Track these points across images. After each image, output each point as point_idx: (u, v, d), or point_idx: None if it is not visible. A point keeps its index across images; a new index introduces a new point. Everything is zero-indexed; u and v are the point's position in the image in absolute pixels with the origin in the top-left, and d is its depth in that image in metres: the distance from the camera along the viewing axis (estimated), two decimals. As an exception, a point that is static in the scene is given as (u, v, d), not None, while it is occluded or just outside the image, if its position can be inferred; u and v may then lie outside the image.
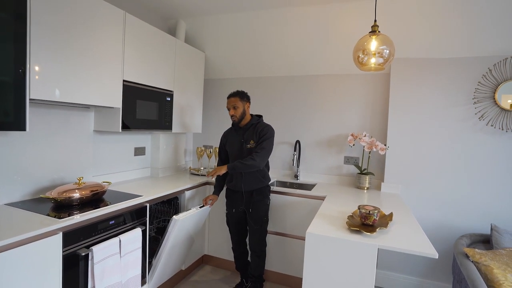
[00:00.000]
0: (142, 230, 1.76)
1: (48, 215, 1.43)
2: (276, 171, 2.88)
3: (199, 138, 3.27)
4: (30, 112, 1.64)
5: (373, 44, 1.60)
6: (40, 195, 1.62)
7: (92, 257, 1.45)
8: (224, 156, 2.23)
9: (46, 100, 1.50)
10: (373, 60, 1.62)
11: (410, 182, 2.33)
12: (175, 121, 2.49)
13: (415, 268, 2.33)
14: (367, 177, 2.39)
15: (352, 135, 2.44)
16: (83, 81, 1.67)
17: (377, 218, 1.46)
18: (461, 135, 2.20)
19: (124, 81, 1.95)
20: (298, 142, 2.73)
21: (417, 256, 2.29)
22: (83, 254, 1.43)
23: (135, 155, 2.48)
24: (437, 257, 1.21)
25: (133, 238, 1.69)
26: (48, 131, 1.78)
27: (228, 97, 2.09)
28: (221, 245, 2.58)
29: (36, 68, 1.42)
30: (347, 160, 2.61)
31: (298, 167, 2.75)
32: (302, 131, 2.78)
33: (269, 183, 2.16)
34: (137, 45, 2.04)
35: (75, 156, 1.95)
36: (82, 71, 1.66)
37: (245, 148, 2.06)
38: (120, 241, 1.61)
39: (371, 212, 1.45)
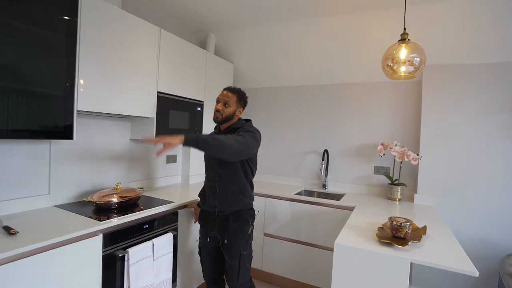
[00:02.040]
0: (173, 235, 1.84)
1: (90, 217, 1.54)
2: (303, 180, 2.87)
3: (227, 146, 3.35)
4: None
5: (403, 53, 1.57)
6: (84, 199, 1.75)
7: (128, 259, 1.54)
8: None
9: (89, 111, 1.64)
10: (403, 69, 1.59)
11: (447, 194, 2.21)
12: (205, 130, 2.58)
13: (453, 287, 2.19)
14: (399, 188, 2.31)
15: (382, 144, 2.38)
16: (122, 93, 1.80)
17: (410, 231, 1.40)
18: (501, 144, 2.06)
19: (158, 92, 2.07)
20: (326, 151, 2.70)
21: (456, 274, 2.14)
22: (120, 255, 1.52)
23: (167, 162, 2.60)
24: (477, 276, 1.14)
25: (165, 243, 1.77)
26: (90, 140, 1.93)
27: (224, 89, 1.68)
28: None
29: (81, 81, 1.56)
30: (377, 170, 2.54)
31: (326, 176, 2.72)
32: (330, 140, 2.76)
33: (253, 203, 1.71)
34: (171, 58, 2.17)
35: (113, 163, 2.09)
36: (121, 83, 1.79)
37: None
38: (153, 244, 1.69)
39: (403, 224, 1.40)
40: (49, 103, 1.43)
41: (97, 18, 1.62)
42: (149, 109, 2.01)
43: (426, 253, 1.27)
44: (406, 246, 1.30)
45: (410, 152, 2.24)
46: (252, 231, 1.68)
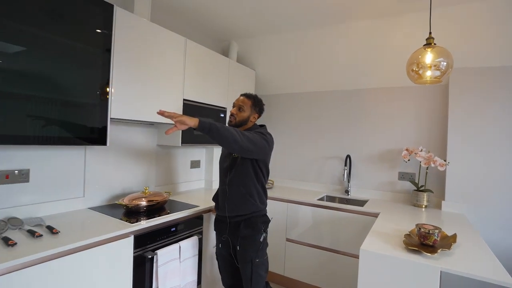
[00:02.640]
0: (199, 239, 1.89)
1: (121, 219, 1.62)
2: (325, 186, 2.85)
3: (248, 151, 3.39)
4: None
5: (428, 57, 1.56)
6: (115, 202, 1.84)
7: (157, 260, 1.60)
8: None
9: (121, 118, 1.74)
10: (428, 73, 1.57)
11: (478, 201, 2.12)
12: (227, 136, 2.63)
13: (485, 298, 2.08)
14: (425, 194, 2.24)
15: (406, 149, 2.33)
16: (150, 101, 1.89)
17: (438, 239, 1.37)
18: (538, 150, 1.96)
19: (184, 99, 2.15)
20: (348, 156, 2.68)
21: (487, 285, 2.04)
22: (149, 256, 1.59)
23: (191, 167, 2.68)
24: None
25: (191, 245, 1.82)
26: (120, 145, 2.03)
27: (241, 95, 1.72)
28: (272, 258, 2.60)
29: (113, 90, 1.66)
30: (402, 176, 2.49)
31: (349, 182, 2.69)
32: (353, 146, 2.73)
33: (266, 209, 1.69)
34: (196, 67, 2.25)
35: (141, 168, 2.18)
36: (150, 92, 1.89)
37: (233, 161, 1.64)
38: (180, 247, 1.75)
39: (431, 231, 1.37)
40: (86, 111, 1.54)
41: (129, 31, 1.72)
42: (175, 116, 2.09)
43: (457, 261, 1.24)
44: (435, 254, 1.28)
45: (436, 158, 2.18)
46: (265, 238, 1.63)
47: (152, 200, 1.84)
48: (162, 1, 2.15)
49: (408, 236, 1.49)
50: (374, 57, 2.44)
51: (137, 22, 1.77)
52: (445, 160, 2.21)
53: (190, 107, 2.21)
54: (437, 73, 1.56)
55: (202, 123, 1.33)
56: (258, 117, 1.73)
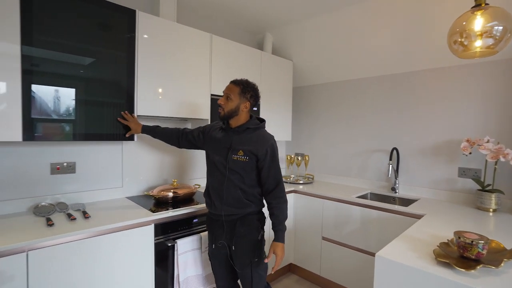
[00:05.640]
0: (221, 231, 1.91)
1: (150, 209, 1.75)
2: (370, 182, 2.57)
3: (289, 146, 3.29)
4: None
5: (478, 23, 1.23)
6: (145, 193, 2.00)
7: (177, 249, 1.68)
8: (191, 136, 1.73)
9: (147, 115, 1.86)
10: (478, 43, 1.24)
11: None
12: (261, 130, 2.59)
13: None
14: (493, 195, 1.81)
15: (467, 141, 1.92)
16: (176, 97, 1.98)
17: (484, 252, 1.09)
18: None
19: (211, 95, 2.20)
20: (395, 149, 2.35)
21: None
22: (169, 244, 1.68)
23: (226, 161, 2.73)
24: None
25: (212, 237, 1.85)
26: (154, 141, 2.18)
27: (230, 82, 1.54)
28: (308, 256, 2.49)
29: (140, 89, 1.79)
30: (463, 173, 2.06)
31: (396, 178, 2.36)
32: (400, 137, 2.38)
33: (263, 208, 1.57)
34: (222, 61, 2.26)
35: (173, 161, 2.32)
36: (176, 89, 1.97)
37: (230, 158, 1.47)
38: (201, 238, 1.80)
39: (474, 242, 1.09)
40: (118, 110, 1.71)
41: (155, 33, 1.83)
42: (203, 111, 2.15)
43: (503, 283, 0.96)
44: (472, 271, 1.01)
45: (508, 150, 1.73)
46: (262, 236, 1.52)
47: (178, 192, 1.94)
48: (190, 0, 2.23)
49: (445, 245, 1.22)
50: (422, 32, 2.06)
51: (162, 24, 1.87)
52: (522, 153, 1.74)
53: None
54: (490, 41, 1.23)
55: (282, 237, 1.46)
56: (251, 106, 1.52)
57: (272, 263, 1.50)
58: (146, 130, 1.82)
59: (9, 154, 1.60)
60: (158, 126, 1.87)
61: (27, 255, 1.22)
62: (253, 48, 2.53)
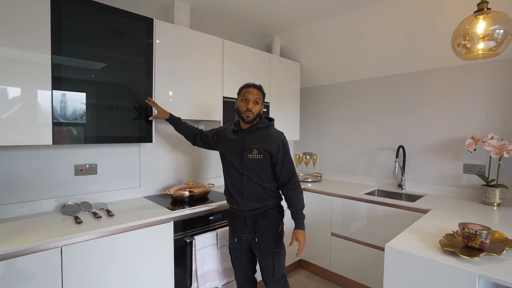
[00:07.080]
0: (235, 227, 2.00)
1: (168, 207, 1.85)
2: (377, 180, 2.64)
3: (297, 145, 3.38)
4: (155, 128, 2.12)
5: (480, 26, 1.31)
6: (162, 192, 2.10)
7: (195, 245, 1.78)
8: (205, 137, 1.87)
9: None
10: (480, 46, 1.32)
11: None
12: (270, 130, 2.68)
13: None
14: (497, 190, 1.88)
15: (472, 138, 1.99)
16: (190, 100, 2.07)
17: (487, 241, 1.16)
18: None
19: (224, 97, 2.29)
20: (401, 147, 2.42)
21: None
22: (188, 240, 1.77)
23: (237, 161, 2.82)
24: None
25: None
26: (169, 142, 2.28)
27: (251, 87, 1.62)
28: (317, 251, 2.57)
29: (157, 92, 1.88)
30: (468, 169, 2.13)
31: (402, 175, 2.44)
32: (406, 135, 2.46)
33: (281, 201, 1.69)
34: (234, 65, 2.35)
35: (188, 162, 2.42)
36: (191, 91, 2.07)
37: (245, 157, 1.57)
38: (217, 234, 1.89)
39: (478, 232, 1.17)
40: (137, 113, 1.80)
41: (170, 39, 1.92)
42: (216, 113, 2.25)
43: (504, 269, 1.04)
44: (475, 258, 1.09)
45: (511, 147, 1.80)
46: (282, 228, 1.65)
47: (194, 191, 2.04)
48: (203, 7, 2.31)
49: (450, 236, 1.30)
50: (426, 33, 2.13)
51: (176, 31, 1.96)
52: (525, 149, 1.81)
53: (230, 104, 2.33)
54: (492, 43, 1.30)
55: (303, 225, 1.57)
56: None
57: (293, 251, 1.58)
58: (172, 118, 1.90)
59: (37, 157, 1.70)
60: (180, 118, 1.96)
61: (61, 250, 1.32)
62: (262, 51, 2.62)
